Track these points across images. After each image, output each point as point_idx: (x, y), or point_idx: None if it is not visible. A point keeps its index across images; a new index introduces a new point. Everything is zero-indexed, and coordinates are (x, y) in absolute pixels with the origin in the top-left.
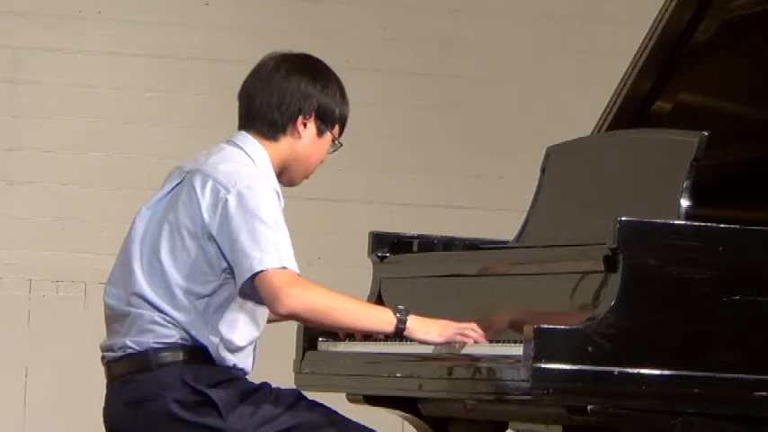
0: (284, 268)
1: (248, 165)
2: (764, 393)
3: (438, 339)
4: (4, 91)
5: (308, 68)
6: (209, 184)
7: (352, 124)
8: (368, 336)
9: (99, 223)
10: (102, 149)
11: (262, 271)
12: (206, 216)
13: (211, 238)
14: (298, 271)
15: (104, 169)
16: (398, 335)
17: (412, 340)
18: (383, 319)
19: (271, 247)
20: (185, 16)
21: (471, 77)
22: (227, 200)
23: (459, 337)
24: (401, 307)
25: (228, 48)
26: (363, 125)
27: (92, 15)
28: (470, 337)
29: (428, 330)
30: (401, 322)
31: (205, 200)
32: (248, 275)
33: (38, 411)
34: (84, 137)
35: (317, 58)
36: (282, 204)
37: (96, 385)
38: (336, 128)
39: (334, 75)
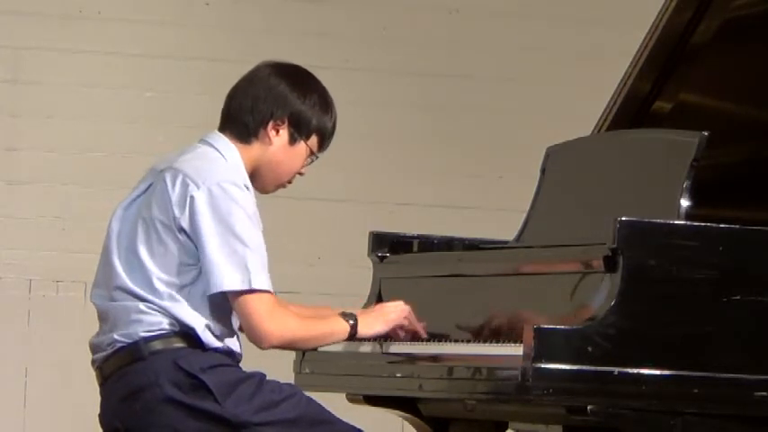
0: (253, 291)
1: (220, 162)
2: (764, 393)
3: (378, 331)
4: (4, 91)
5: (291, 76)
6: (179, 179)
7: (352, 124)
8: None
9: (99, 223)
10: (102, 149)
11: (234, 292)
12: (176, 210)
13: (183, 231)
14: (268, 287)
15: (104, 169)
16: (351, 338)
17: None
18: (341, 330)
19: (241, 266)
20: (185, 16)
21: (471, 77)
22: (194, 196)
23: (405, 321)
24: (347, 312)
25: (228, 48)
26: (363, 125)
27: (92, 15)
28: (409, 326)
29: (372, 326)
30: (353, 327)
31: (175, 194)
32: (215, 291)
33: (38, 411)
34: (84, 137)
35: (305, 70)
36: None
37: (96, 385)
38: (314, 139)
39: (320, 87)
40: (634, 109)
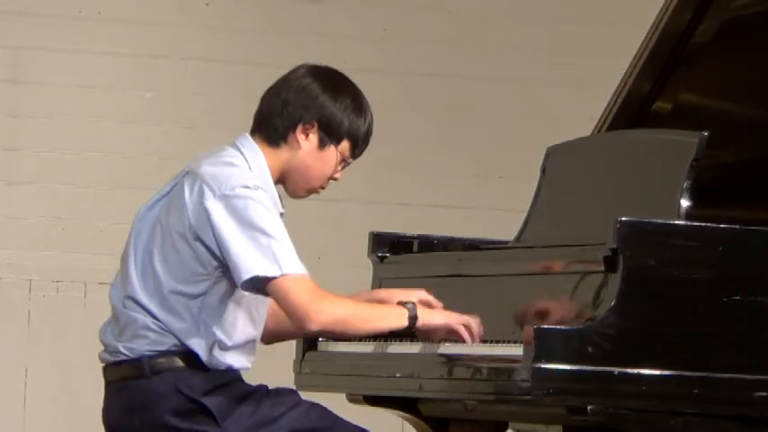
0: (285, 275)
1: (241, 167)
2: (764, 393)
3: (441, 320)
4: (4, 91)
5: (323, 78)
6: (197, 186)
7: None
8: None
9: (99, 223)
10: (102, 149)
11: (267, 279)
12: (192, 218)
13: (198, 239)
14: (304, 271)
15: (104, 169)
16: (411, 327)
17: (415, 335)
18: (398, 315)
19: (268, 253)
20: (185, 16)
21: (471, 77)
22: (208, 207)
23: (461, 327)
24: (404, 300)
25: (228, 48)
26: None
27: (92, 15)
28: (469, 329)
29: (434, 316)
30: (412, 310)
31: (192, 201)
32: (247, 277)
33: (38, 411)
34: (84, 137)
35: (341, 74)
36: (281, 209)
37: (96, 385)
38: (345, 143)
39: (354, 90)
40: (634, 109)
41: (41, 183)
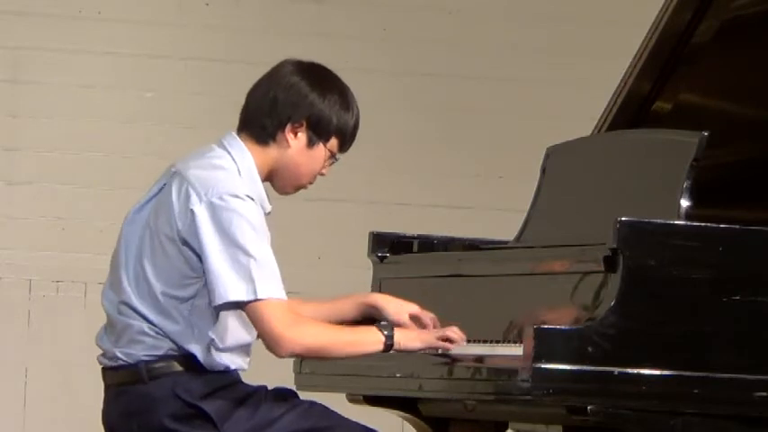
0: (261, 299)
1: (228, 170)
2: (764, 393)
3: (418, 345)
4: (4, 91)
5: (311, 75)
6: (184, 189)
7: None
8: None
9: (99, 223)
10: (102, 149)
11: (242, 303)
12: (179, 222)
13: (186, 244)
14: (278, 295)
15: (104, 169)
16: (387, 350)
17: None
18: (374, 340)
19: (245, 275)
20: (185, 16)
21: (471, 77)
22: (194, 210)
23: (440, 343)
24: (384, 323)
25: (228, 48)
26: (363, 125)
27: (92, 15)
28: (450, 338)
29: (410, 341)
30: (389, 338)
31: (178, 205)
32: (220, 302)
33: (38, 411)
34: (84, 137)
35: (327, 69)
36: (269, 209)
37: (96, 386)
38: (333, 140)
39: (341, 85)
40: (634, 109)
41: (41, 183)
